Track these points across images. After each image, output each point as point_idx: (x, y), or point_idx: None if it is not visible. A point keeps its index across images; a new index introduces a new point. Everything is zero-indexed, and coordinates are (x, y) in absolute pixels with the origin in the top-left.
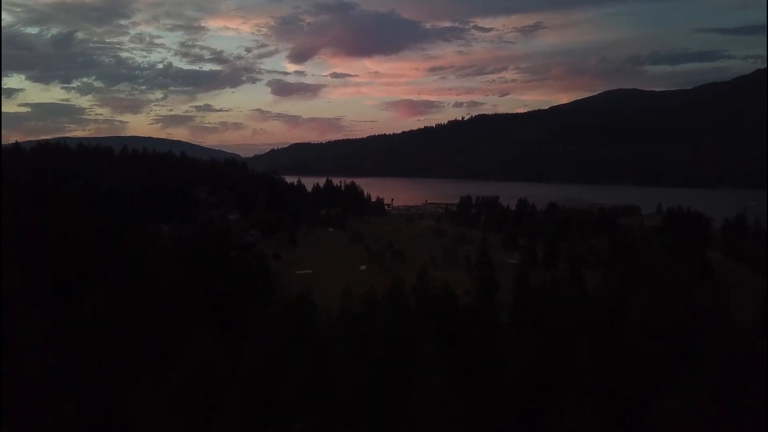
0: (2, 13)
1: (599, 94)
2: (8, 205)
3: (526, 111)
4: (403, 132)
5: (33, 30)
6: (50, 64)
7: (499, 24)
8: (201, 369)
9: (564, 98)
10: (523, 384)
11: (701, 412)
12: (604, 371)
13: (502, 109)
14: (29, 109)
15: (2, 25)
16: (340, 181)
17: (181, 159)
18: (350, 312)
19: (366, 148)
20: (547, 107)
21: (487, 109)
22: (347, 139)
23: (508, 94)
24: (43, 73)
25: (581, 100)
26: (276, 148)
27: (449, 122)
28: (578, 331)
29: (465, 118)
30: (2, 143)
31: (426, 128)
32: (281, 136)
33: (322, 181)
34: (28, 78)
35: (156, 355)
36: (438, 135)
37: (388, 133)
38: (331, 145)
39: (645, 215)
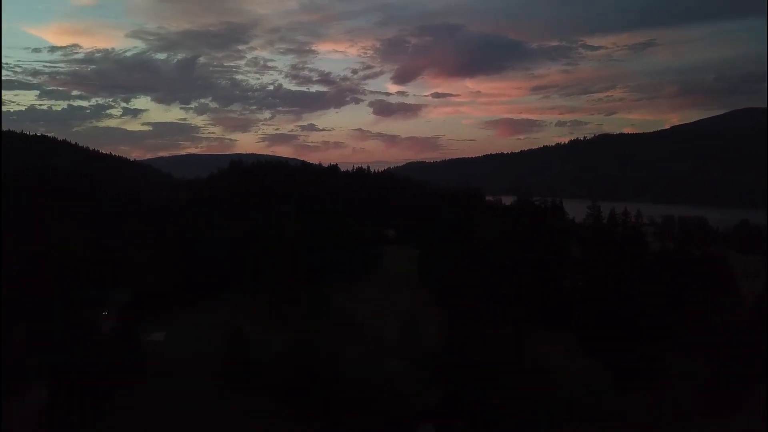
0: (137, 41)
1: (729, 112)
2: None
3: (636, 132)
4: (521, 151)
5: (162, 56)
6: (173, 86)
7: (609, 42)
8: None
9: (675, 118)
10: None
11: None
12: None
13: (607, 129)
14: (150, 128)
15: (136, 51)
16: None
17: None
18: None
19: (480, 168)
20: (664, 126)
21: (592, 129)
22: (462, 158)
23: (614, 113)
24: (166, 95)
25: (710, 119)
26: (391, 167)
27: (570, 141)
28: None
29: (587, 138)
30: (127, 159)
31: (545, 147)
32: (378, 155)
33: None
34: (153, 99)
35: None
36: (559, 154)
37: (506, 152)
38: (445, 163)
39: None
